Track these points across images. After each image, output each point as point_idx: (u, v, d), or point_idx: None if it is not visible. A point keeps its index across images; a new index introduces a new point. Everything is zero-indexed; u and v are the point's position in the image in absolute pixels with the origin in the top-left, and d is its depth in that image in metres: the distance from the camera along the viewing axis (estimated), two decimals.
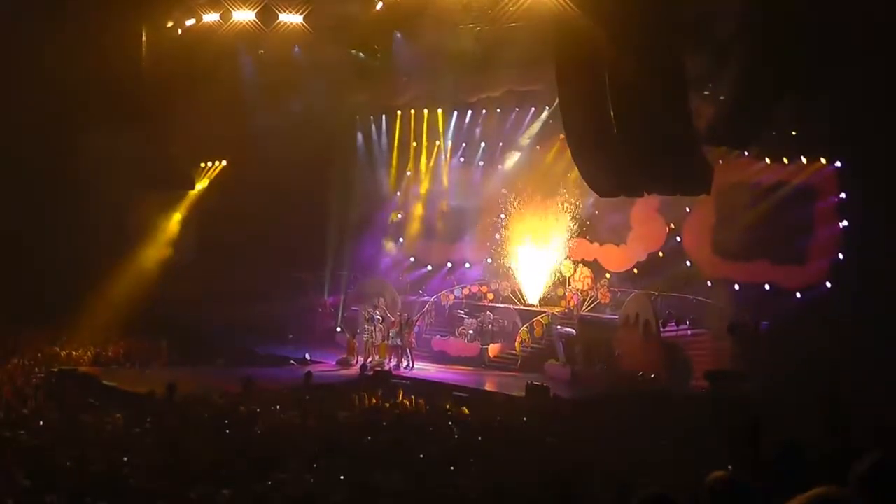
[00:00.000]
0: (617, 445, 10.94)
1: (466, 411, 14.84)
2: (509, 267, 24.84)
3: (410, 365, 22.12)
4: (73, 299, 22.16)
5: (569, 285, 24.17)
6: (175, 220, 26.58)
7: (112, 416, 12.24)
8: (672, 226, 22.95)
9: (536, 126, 25.21)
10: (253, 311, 24.67)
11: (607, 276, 23.90)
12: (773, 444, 5.29)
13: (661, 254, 23.12)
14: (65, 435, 10.90)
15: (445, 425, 12.85)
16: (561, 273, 24.29)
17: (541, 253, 24.22)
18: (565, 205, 23.81)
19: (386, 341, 22.45)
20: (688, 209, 22.35)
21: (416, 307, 25.42)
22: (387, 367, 21.50)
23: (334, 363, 22.78)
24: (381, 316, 23.21)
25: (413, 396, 16.13)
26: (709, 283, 21.58)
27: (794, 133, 19.80)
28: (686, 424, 12.31)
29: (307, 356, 22.81)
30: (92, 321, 22.52)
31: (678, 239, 22.65)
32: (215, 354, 22.77)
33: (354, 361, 22.46)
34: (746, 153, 20.62)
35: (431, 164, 27.28)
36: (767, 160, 20.66)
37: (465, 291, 25.83)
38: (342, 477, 8.62)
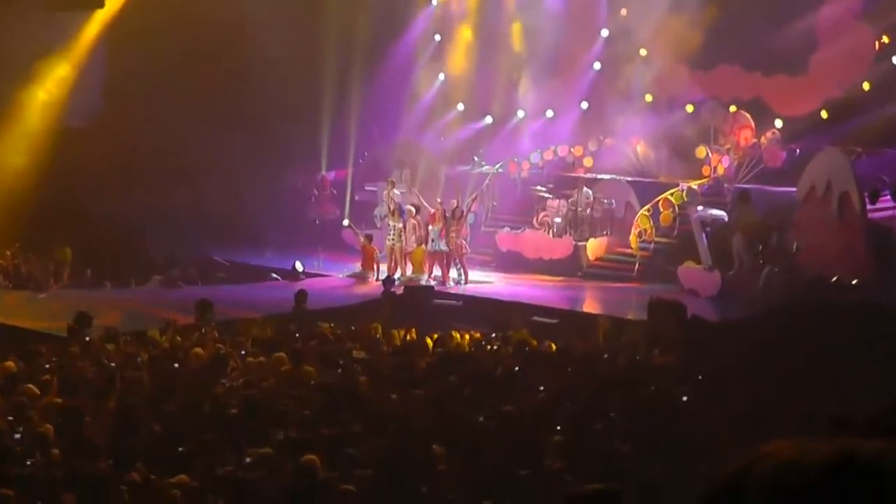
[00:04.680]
0: (798, 394, 11.18)
1: (554, 346, 15.06)
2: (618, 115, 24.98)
3: (463, 278, 22.29)
4: None
5: (715, 140, 24.03)
6: (77, 54, 26.45)
7: None
8: (885, 39, 22.73)
9: None
10: (207, 196, 25.13)
11: (777, 124, 23.82)
12: None
13: (865, 86, 22.97)
14: None
15: (521, 371, 13.06)
16: (701, 120, 24.30)
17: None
18: None
19: (423, 245, 22.45)
20: None
21: (469, 185, 25.55)
22: (426, 283, 21.76)
23: (341, 276, 23.10)
24: (413, 204, 23.25)
25: (468, 331, 16.34)
26: None
27: None
28: None
29: (298, 267, 23.11)
30: None
31: None
32: (149, 267, 23.30)
33: (373, 275, 22.68)
34: None
35: None
36: None
37: (549, 156, 25.91)
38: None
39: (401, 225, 22.58)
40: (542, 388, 12.24)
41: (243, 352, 13.95)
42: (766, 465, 1.67)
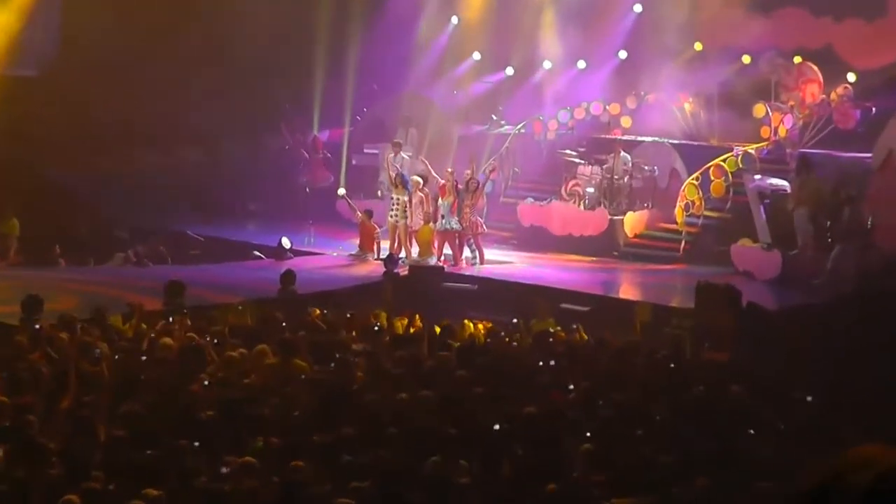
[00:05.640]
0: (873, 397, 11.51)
1: (585, 338, 15.13)
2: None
3: (478, 258, 22.29)
4: None
5: (776, 97, 24.01)
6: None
7: None
8: None
9: None
10: (178, 161, 25.24)
11: (850, 78, 23.73)
12: None
13: None
14: None
15: (546, 368, 13.08)
16: (760, 73, 24.22)
17: None
18: None
19: (431, 224, 22.33)
20: None
21: (486, 148, 25.51)
22: (435, 263, 21.80)
23: (335, 255, 23.16)
24: (419, 174, 23.17)
25: (483, 320, 16.38)
26: None
27: None
28: None
29: (285, 243, 23.08)
30: None
31: None
32: (111, 243, 23.33)
33: (373, 256, 22.71)
34: None
35: None
36: None
37: (580, 115, 25.80)
38: None
39: (405, 198, 22.39)
40: (570, 387, 12.24)
41: (220, 343, 13.91)
42: (865, 474, 1.64)
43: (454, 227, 22.01)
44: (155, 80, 25.18)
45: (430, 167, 23.48)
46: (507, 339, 15.32)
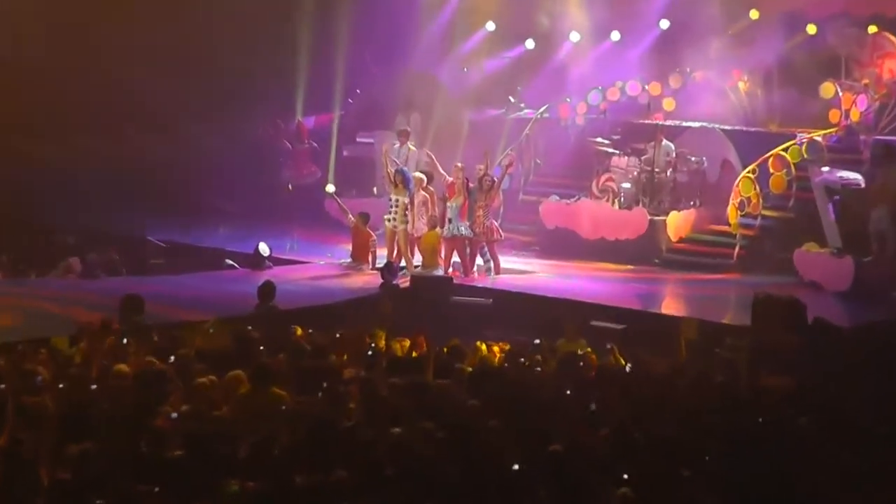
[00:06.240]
0: None
1: (621, 362, 15.15)
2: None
3: (492, 268, 22.35)
4: None
5: (847, 74, 24.30)
6: None
7: None
8: None
9: None
10: (137, 152, 25.34)
11: None
12: None
13: None
14: None
15: (574, 397, 13.08)
16: (829, 46, 24.51)
17: None
18: None
19: (437, 229, 22.28)
20: None
21: (503, 136, 25.77)
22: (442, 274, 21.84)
23: (322, 263, 23.26)
24: (422, 172, 23.15)
25: (498, 342, 16.37)
26: None
27: None
28: None
29: (263, 250, 23.11)
30: None
31: None
32: (56, 250, 23.40)
33: (368, 265, 22.80)
34: None
35: None
36: None
37: (614, 96, 26.07)
38: None
39: (406, 199, 22.25)
40: (603, 420, 12.12)
41: (186, 369, 13.80)
42: None
43: (464, 233, 22.02)
44: (100, 49, 25.23)
45: (435, 161, 23.49)
46: (527, 364, 15.22)
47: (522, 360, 15.46)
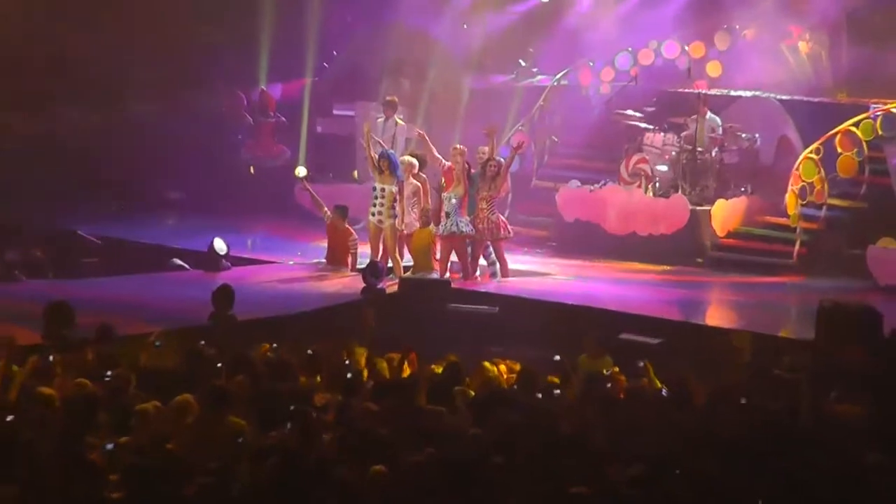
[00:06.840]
0: None
1: (655, 381, 15.33)
2: None
3: (499, 270, 22.40)
4: None
5: None
6: None
7: None
8: None
9: None
10: (67, 129, 25.71)
11: None
12: None
13: None
14: None
15: (599, 427, 13.07)
16: None
17: None
18: None
19: (432, 226, 22.32)
20: None
21: (512, 108, 26.03)
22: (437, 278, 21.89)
23: (291, 264, 23.57)
24: (413, 155, 23.09)
25: (505, 360, 16.33)
26: None
27: None
28: None
29: (219, 247, 23.17)
30: None
31: None
32: None
33: (347, 267, 22.89)
34: None
35: None
36: None
37: (646, 59, 26.36)
38: None
39: (394, 188, 22.21)
40: (634, 455, 12.00)
41: (125, 392, 13.90)
42: None
43: (464, 230, 21.96)
44: (40, 14, 25.41)
45: (428, 141, 23.34)
46: (542, 386, 15.04)
47: (536, 381, 15.35)
